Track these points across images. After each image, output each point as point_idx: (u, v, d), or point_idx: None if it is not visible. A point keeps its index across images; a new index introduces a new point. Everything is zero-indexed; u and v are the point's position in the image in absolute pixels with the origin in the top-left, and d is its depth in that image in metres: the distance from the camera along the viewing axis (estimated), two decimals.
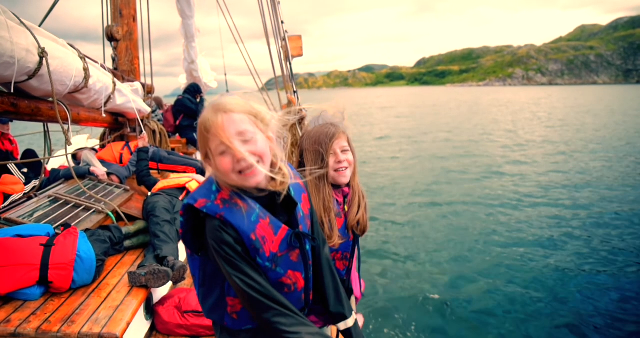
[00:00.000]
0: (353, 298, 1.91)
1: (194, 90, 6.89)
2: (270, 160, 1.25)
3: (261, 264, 1.26)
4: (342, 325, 1.50)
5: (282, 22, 5.05)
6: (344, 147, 1.70)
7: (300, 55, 5.10)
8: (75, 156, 4.45)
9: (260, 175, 1.21)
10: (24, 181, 3.61)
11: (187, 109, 6.59)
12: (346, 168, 1.70)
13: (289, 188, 1.31)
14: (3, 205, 3.25)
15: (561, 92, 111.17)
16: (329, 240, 1.62)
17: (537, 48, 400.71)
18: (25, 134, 7.70)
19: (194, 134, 6.71)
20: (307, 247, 1.38)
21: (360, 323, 1.54)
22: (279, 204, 1.31)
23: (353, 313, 1.53)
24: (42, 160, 3.81)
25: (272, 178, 1.26)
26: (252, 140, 1.20)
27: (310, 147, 1.71)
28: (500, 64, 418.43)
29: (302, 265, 1.37)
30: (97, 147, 5.14)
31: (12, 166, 3.62)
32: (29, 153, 4.03)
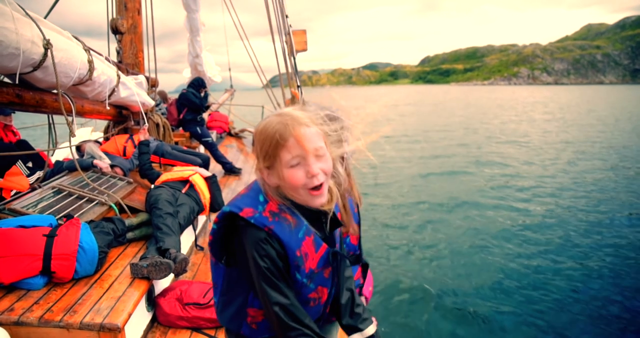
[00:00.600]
0: (362, 298, 1.89)
1: (198, 84, 6.88)
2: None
3: (299, 280, 1.24)
4: (359, 336, 1.44)
5: (287, 16, 5.05)
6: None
7: (305, 49, 5.10)
8: (79, 148, 4.47)
9: (325, 195, 1.20)
10: (27, 174, 3.63)
11: (191, 103, 6.58)
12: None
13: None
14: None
15: (570, 92, 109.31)
16: None
17: (542, 47, 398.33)
18: (29, 126, 7.75)
19: (197, 128, 6.72)
20: (339, 266, 1.38)
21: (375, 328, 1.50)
22: (321, 221, 1.30)
23: (371, 323, 1.47)
24: (46, 152, 3.83)
25: None
26: (325, 157, 1.18)
27: None
28: (505, 63, 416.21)
29: (330, 281, 1.37)
30: (101, 140, 5.15)
31: (19, 162, 3.64)
32: (23, 144, 4.02)
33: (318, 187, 1.17)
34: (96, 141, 4.82)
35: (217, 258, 1.32)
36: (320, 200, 1.19)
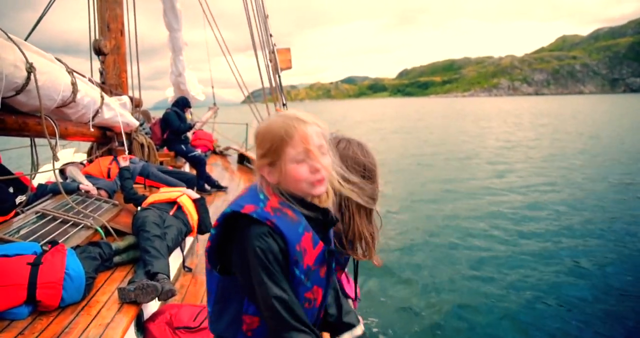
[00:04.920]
0: (350, 301, 1.90)
1: (182, 103, 6.87)
2: None
3: (297, 276, 1.25)
4: (348, 335, 1.49)
5: (271, 35, 5.09)
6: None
7: (290, 67, 5.14)
8: (63, 171, 4.39)
9: (325, 187, 1.26)
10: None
11: (171, 127, 6.55)
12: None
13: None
14: None
15: (559, 102, 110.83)
16: None
17: (520, 58, 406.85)
18: (9, 148, 7.58)
19: (182, 146, 6.68)
20: (333, 265, 1.40)
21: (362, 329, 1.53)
22: (319, 221, 1.34)
23: (359, 323, 1.52)
24: (28, 176, 3.75)
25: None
26: (327, 155, 1.25)
27: None
28: (484, 74, 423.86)
29: (325, 281, 1.39)
30: (85, 162, 5.08)
31: None
32: (1, 169, 3.91)
33: (320, 180, 1.23)
34: (81, 163, 4.75)
35: (213, 265, 1.33)
36: (321, 189, 1.25)
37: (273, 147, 1.22)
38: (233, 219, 1.24)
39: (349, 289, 1.95)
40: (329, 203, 1.33)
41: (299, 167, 1.20)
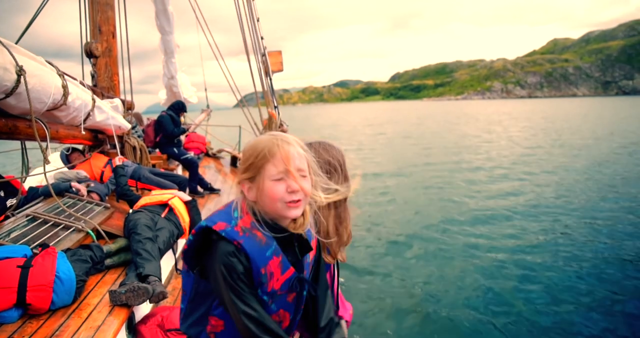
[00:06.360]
0: (343, 323, 1.90)
1: (178, 107, 6.85)
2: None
3: (260, 296, 1.28)
4: None
5: (262, 38, 5.11)
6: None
7: (281, 70, 5.16)
8: (69, 159, 4.40)
9: (301, 210, 1.27)
10: None
11: (165, 131, 6.54)
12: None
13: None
14: None
15: (555, 104, 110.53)
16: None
17: (512, 61, 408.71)
18: (0, 152, 7.53)
19: (174, 149, 6.66)
20: (304, 292, 1.42)
21: None
22: (293, 246, 1.35)
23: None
24: (19, 179, 3.73)
25: (294, 220, 1.32)
26: (306, 179, 1.27)
27: None
28: (477, 77, 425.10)
29: (293, 307, 1.41)
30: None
31: None
32: None
33: (295, 202, 1.24)
34: (71, 167, 4.73)
35: (190, 267, 1.36)
36: (295, 213, 1.26)
37: (255, 162, 1.24)
38: (208, 232, 1.27)
39: (344, 312, 1.95)
40: (304, 228, 1.34)
41: (276, 185, 1.22)
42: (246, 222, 1.26)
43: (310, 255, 1.44)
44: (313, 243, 1.43)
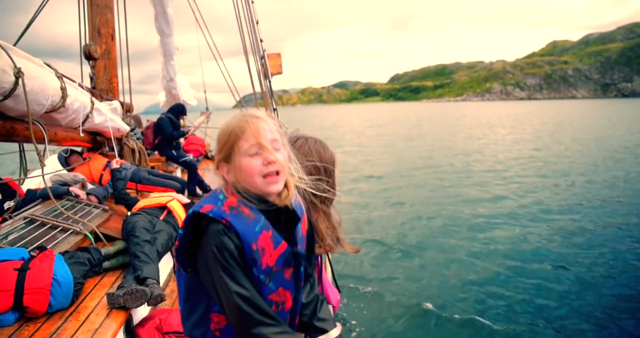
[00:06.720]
0: (330, 307, 1.90)
1: (178, 110, 6.84)
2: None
3: (256, 275, 1.26)
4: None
5: (261, 41, 5.11)
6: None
7: (280, 72, 5.16)
8: (67, 162, 4.38)
9: (281, 184, 1.27)
10: None
11: (163, 134, 6.53)
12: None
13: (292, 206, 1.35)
14: None
15: (557, 107, 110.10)
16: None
17: (511, 63, 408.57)
18: None
19: (173, 151, 6.66)
20: (302, 268, 1.39)
21: (339, 332, 1.52)
22: (281, 220, 1.34)
23: (336, 325, 1.52)
24: (17, 181, 3.73)
25: (279, 195, 1.30)
26: (281, 150, 1.27)
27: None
28: (476, 79, 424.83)
29: (293, 285, 1.37)
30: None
31: None
32: None
33: (274, 175, 1.24)
34: (70, 169, 4.73)
35: (182, 264, 1.34)
36: (276, 187, 1.26)
37: (228, 141, 1.25)
38: (197, 220, 1.26)
39: (332, 295, 1.95)
40: (290, 200, 1.32)
41: (251, 160, 1.22)
42: (232, 202, 1.26)
43: (303, 230, 1.42)
44: (304, 218, 1.43)
